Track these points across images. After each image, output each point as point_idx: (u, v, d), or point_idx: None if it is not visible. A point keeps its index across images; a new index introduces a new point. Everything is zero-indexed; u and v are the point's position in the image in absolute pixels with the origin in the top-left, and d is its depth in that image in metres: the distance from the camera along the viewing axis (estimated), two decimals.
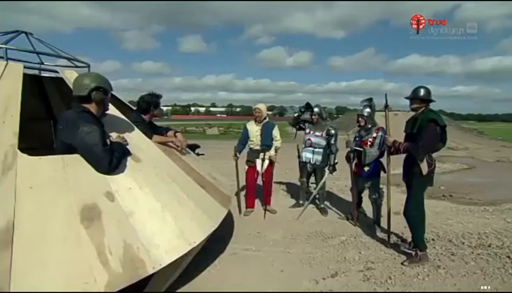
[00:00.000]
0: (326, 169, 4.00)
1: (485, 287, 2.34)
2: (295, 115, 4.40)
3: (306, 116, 4.27)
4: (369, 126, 3.56)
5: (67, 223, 1.54)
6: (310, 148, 4.11)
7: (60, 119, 1.90)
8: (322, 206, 4.24)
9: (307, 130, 4.22)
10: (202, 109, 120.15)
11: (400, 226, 3.45)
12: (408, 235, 3.13)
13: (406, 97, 2.83)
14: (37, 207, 1.53)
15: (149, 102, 2.69)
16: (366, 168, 3.52)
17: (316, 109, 4.12)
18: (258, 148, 3.97)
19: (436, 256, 2.86)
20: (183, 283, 2.32)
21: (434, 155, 2.74)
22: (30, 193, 1.55)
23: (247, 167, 4.08)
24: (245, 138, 4.07)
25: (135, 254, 1.58)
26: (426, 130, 2.57)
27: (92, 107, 1.89)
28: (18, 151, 1.67)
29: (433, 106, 2.79)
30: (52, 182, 1.64)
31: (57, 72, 2.59)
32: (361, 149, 3.51)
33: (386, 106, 3.05)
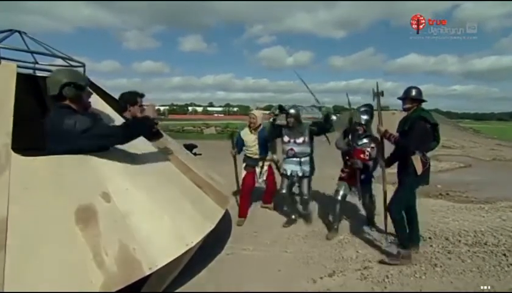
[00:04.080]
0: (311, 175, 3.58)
1: (485, 287, 2.33)
2: (270, 120, 3.74)
3: (282, 121, 3.65)
4: (366, 134, 3.32)
5: (63, 224, 1.52)
6: (295, 159, 3.51)
7: (45, 121, 1.85)
8: (307, 212, 3.81)
9: (285, 139, 3.55)
10: (200, 109, 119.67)
11: None
12: None
13: (399, 98, 2.89)
14: (32, 208, 1.51)
15: (127, 100, 2.63)
16: (362, 176, 3.36)
17: (291, 111, 3.47)
18: (256, 156, 3.82)
19: (433, 254, 2.87)
20: (180, 283, 2.30)
21: (430, 153, 2.76)
22: (24, 193, 1.53)
23: (245, 172, 3.89)
24: (240, 146, 3.91)
25: (131, 255, 1.57)
26: (416, 126, 2.64)
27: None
28: (12, 151, 1.65)
29: (430, 105, 2.83)
30: (46, 183, 1.63)
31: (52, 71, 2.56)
32: (360, 166, 3.20)
33: (378, 93, 3.02)
